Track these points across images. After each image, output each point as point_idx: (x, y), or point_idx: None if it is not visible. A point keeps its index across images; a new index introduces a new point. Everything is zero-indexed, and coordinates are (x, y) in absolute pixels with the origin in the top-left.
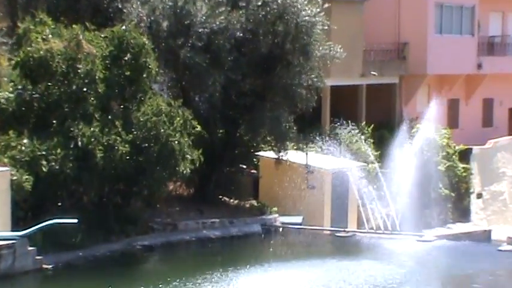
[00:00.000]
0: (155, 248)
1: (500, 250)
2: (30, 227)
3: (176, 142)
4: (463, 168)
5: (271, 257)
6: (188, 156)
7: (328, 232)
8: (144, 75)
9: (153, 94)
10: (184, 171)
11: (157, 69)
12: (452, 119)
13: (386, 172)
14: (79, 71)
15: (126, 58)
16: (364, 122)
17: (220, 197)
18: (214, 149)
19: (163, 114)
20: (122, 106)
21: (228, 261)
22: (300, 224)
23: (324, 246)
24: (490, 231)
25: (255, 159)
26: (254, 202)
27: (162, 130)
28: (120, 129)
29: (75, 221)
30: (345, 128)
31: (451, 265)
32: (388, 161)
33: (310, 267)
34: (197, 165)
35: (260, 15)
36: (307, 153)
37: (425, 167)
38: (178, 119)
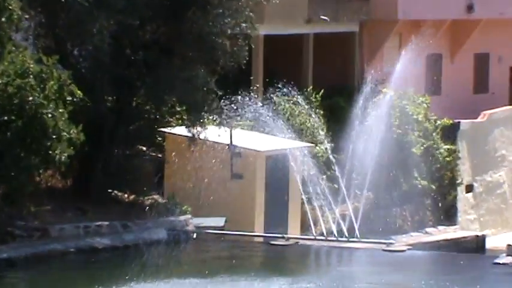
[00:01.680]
0: (17, 262)
1: (498, 263)
2: None
3: (50, 115)
4: (447, 150)
5: (176, 274)
6: (65, 134)
7: (261, 239)
8: (3, 20)
9: (15, 46)
10: (62, 158)
11: (20, 12)
12: (432, 82)
13: (342, 156)
14: None
15: None
16: (311, 87)
17: (110, 190)
18: (102, 124)
19: (31, 76)
20: None
21: (115, 280)
22: (222, 228)
23: (252, 259)
24: (483, 237)
25: (159, 138)
26: (158, 198)
27: (29, 98)
28: None
29: None
30: (285, 95)
31: (430, 286)
32: (344, 141)
33: None
34: (77, 146)
35: None
36: (232, 130)
37: (395, 149)
38: (52, 82)
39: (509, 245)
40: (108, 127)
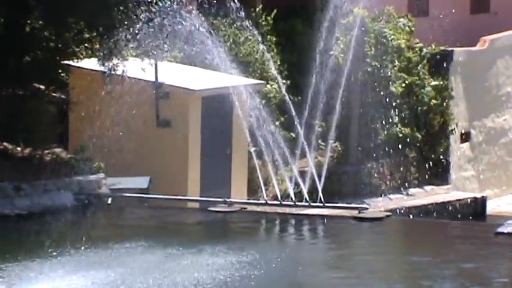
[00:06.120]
0: None
1: (502, 233)
2: None
3: None
4: (437, 87)
5: (86, 247)
6: None
7: (197, 204)
8: None
9: None
10: None
11: None
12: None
13: (301, 97)
14: None
15: None
16: (260, 6)
17: None
18: None
19: None
20: None
21: (2, 259)
22: (146, 191)
23: (181, 233)
24: (483, 199)
25: (62, 74)
26: (61, 152)
27: None
28: None
29: None
30: (226, 16)
31: (414, 262)
32: (303, 77)
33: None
34: None
35: None
36: (156, 63)
37: (369, 87)
38: None
39: None
40: None
